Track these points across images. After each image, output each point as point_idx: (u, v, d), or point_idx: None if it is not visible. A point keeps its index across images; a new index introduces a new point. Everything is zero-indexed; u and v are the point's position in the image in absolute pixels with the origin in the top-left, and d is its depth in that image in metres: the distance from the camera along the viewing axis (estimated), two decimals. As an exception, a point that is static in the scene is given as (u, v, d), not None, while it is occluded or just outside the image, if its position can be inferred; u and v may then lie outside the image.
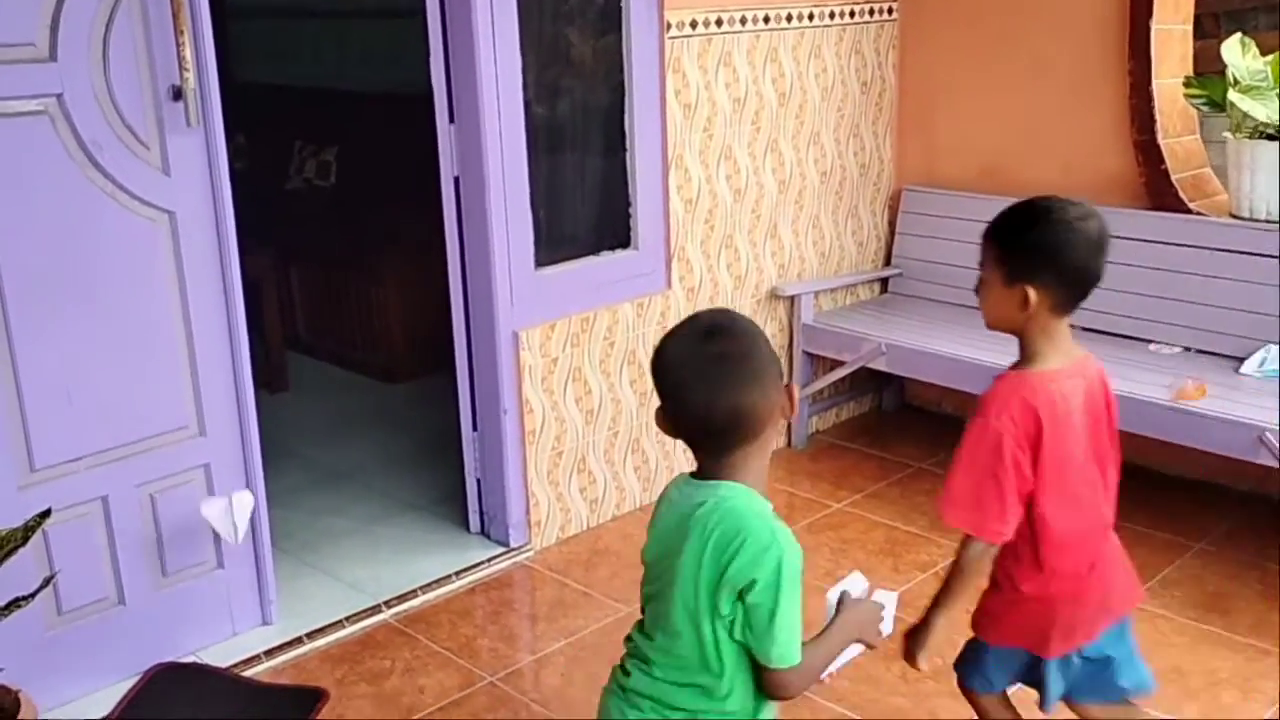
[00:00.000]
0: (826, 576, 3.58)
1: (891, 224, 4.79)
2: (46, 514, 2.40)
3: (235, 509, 3.10)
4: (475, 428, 3.72)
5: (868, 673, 3.00)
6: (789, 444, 4.59)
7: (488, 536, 3.80)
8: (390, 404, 5.13)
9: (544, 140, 3.65)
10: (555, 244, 3.72)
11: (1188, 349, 3.88)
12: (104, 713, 2.90)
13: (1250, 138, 3.71)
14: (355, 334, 5.53)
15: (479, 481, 3.77)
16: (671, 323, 4.17)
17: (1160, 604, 3.35)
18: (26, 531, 2.37)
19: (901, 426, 4.79)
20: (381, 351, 5.39)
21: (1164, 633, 3.22)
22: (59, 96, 2.70)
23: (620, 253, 3.89)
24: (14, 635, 2.62)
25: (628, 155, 3.82)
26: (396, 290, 5.26)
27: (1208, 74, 3.89)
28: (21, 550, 2.43)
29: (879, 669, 3.02)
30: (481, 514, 3.81)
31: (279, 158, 6.23)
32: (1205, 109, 3.83)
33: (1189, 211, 3.94)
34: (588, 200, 3.89)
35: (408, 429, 4.75)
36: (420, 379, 5.18)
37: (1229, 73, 3.71)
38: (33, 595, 2.41)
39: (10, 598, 2.42)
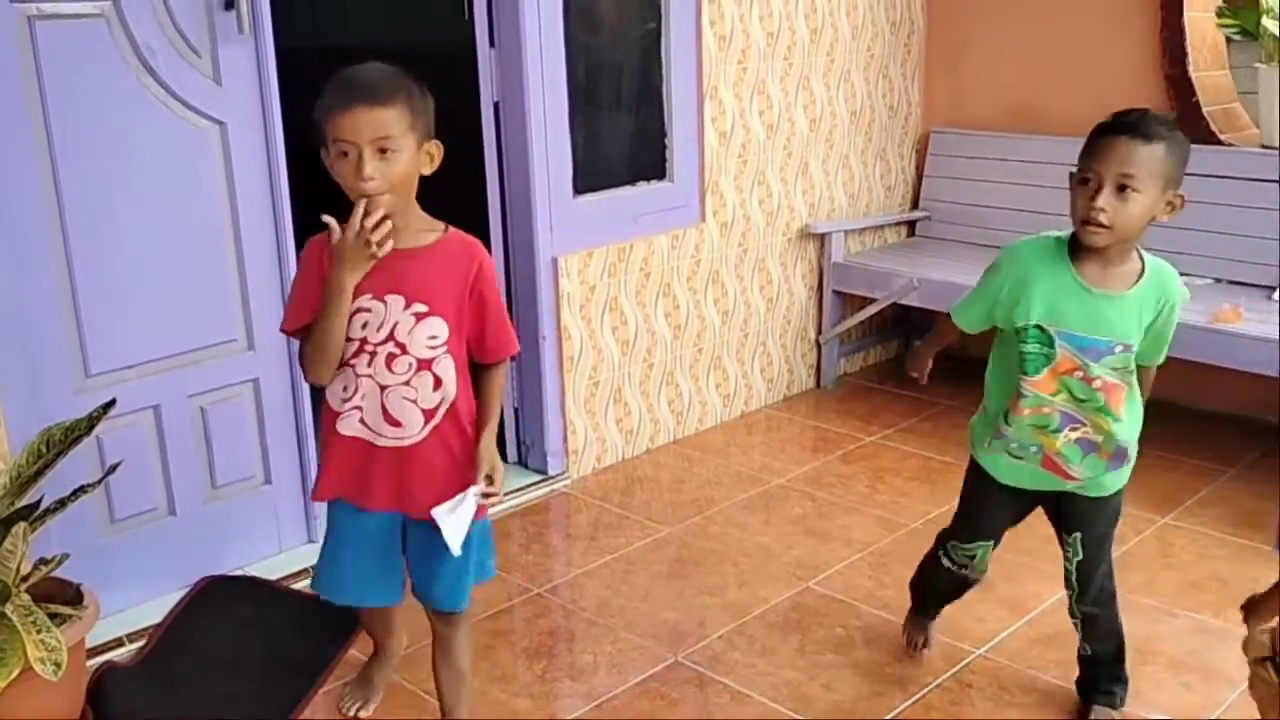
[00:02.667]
0: (864, 501, 3.63)
1: (919, 169, 4.81)
2: (111, 404, 2.42)
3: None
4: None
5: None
6: (818, 385, 4.62)
7: (525, 465, 3.82)
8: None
9: (581, 67, 3.66)
10: (592, 173, 3.74)
11: (1218, 280, 3.91)
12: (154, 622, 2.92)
13: (1282, 66, 3.74)
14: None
15: (517, 410, 3.79)
16: (705, 257, 4.27)
17: (1199, 522, 3.40)
18: (91, 421, 2.38)
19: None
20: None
21: (1204, 546, 3.27)
22: (115, 0, 2.72)
23: (656, 184, 3.92)
24: (68, 541, 2.63)
25: (663, 84, 3.85)
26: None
27: (1239, 6, 3.92)
28: (83, 444, 2.44)
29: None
30: (519, 442, 3.83)
31: (302, 119, 6.22)
32: (1237, 37, 3.85)
33: (1220, 143, 3.96)
34: (624, 130, 3.90)
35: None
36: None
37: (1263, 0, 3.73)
38: (97, 483, 2.43)
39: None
